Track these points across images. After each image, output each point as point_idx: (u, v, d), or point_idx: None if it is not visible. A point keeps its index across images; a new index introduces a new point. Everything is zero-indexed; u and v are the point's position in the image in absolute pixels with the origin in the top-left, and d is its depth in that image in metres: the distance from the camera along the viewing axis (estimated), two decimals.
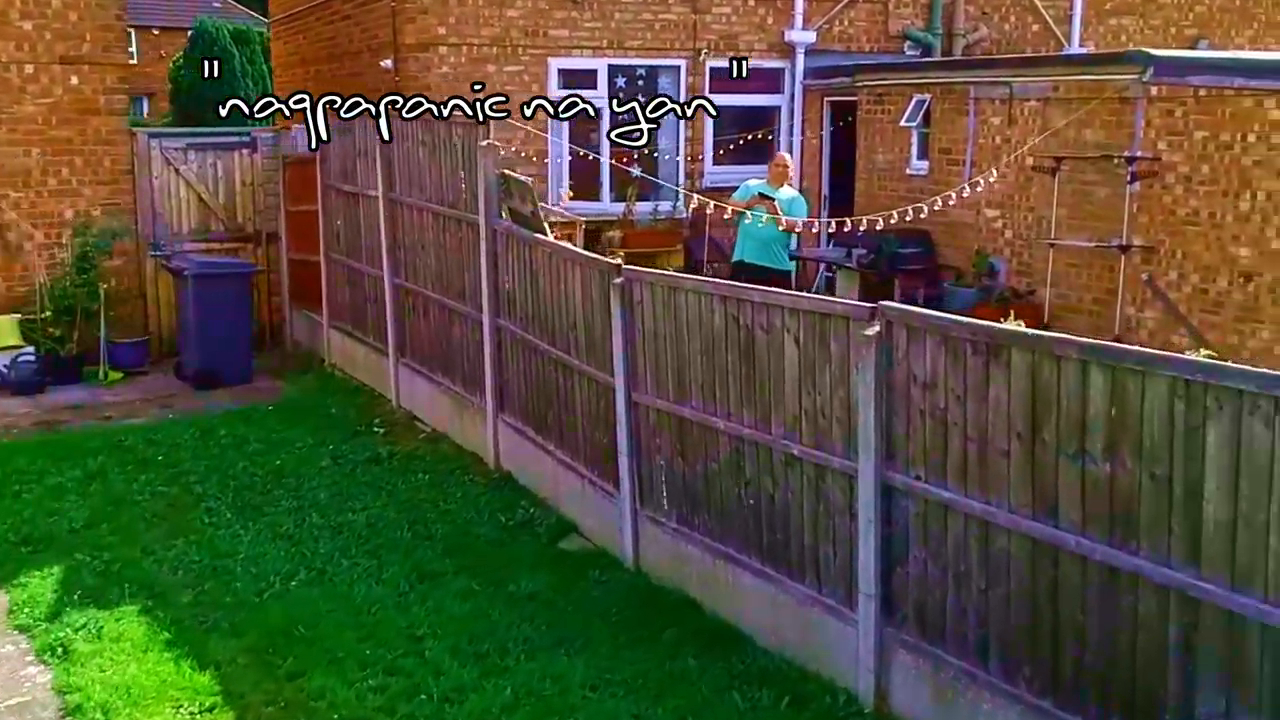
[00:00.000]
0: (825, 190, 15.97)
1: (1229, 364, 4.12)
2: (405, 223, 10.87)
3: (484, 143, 9.14)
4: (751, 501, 6.57)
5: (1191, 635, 4.33)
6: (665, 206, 15.29)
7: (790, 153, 16.38)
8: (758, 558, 6.59)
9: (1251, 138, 10.24)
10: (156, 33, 51.56)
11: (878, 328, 5.48)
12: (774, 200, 12.38)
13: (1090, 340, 4.54)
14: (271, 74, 23.15)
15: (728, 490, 6.75)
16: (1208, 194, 10.63)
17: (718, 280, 6.75)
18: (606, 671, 6.36)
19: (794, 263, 14.88)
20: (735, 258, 12.86)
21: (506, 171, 9.18)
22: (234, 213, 14.35)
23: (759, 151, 16.11)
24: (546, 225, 8.84)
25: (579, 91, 15.05)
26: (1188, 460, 4.24)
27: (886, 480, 5.57)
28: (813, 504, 6.11)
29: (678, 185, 15.94)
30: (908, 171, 14.07)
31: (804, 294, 6.10)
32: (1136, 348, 4.39)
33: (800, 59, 16.04)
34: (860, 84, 14.85)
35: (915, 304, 12.39)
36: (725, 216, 12.61)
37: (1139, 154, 11.09)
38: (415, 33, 14.50)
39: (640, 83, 15.60)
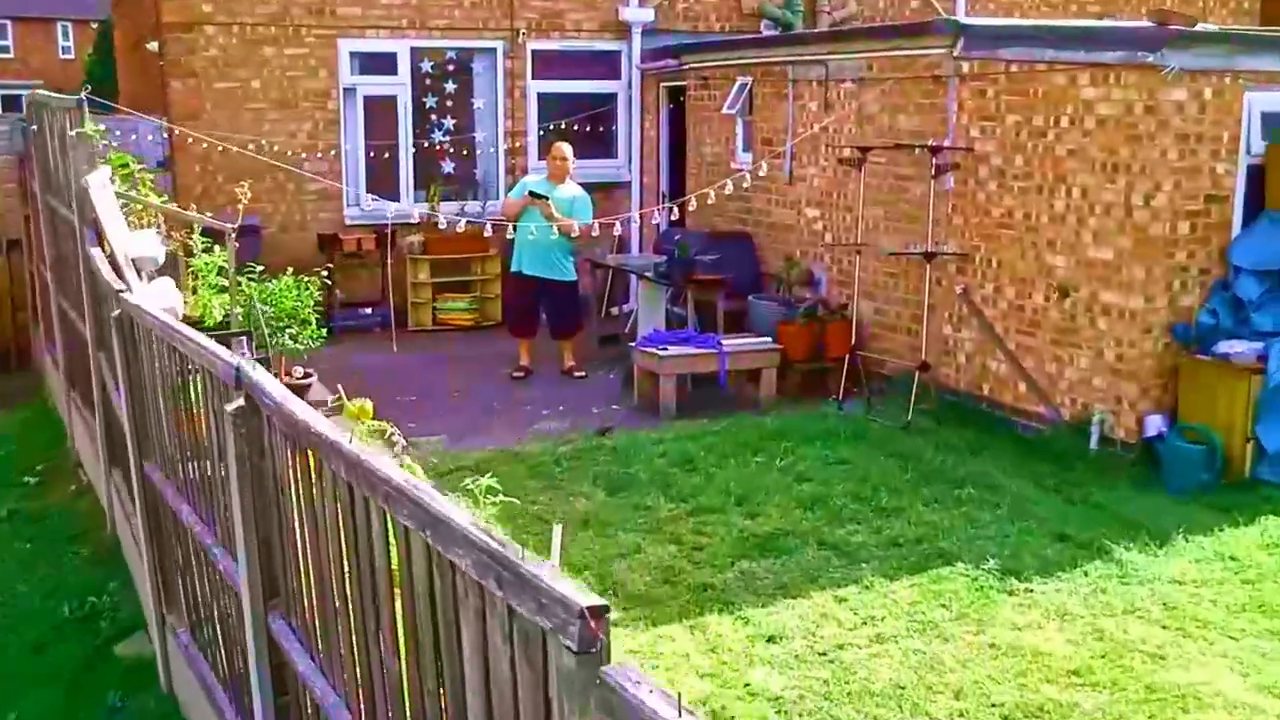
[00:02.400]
0: (664, 186, 14.07)
1: None
2: (60, 229, 9.08)
3: (73, 132, 7.34)
4: (219, 621, 4.76)
5: None
6: (474, 206, 13.44)
7: (631, 144, 14.61)
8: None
9: (1065, 122, 8.37)
10: (95, 27, 49.82)
11: (242, 401, 3.65)
12: (548, 200, 10.59)
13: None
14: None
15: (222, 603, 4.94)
16: (1022, 191, 8.76)
17: (161, 318, 4.87)
18: None
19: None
20: (513, 268, 11.09)
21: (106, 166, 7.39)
22: None
23: (600, 141, 14.32)
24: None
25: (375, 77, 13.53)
26: None
27: (269, 625, 3.74)
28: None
29: (498, 180, 14.15)
30: (733, 165, 12.18)
31: (202, 339, 4.22)
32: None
33: (637, 40, 14.14)
34: (686, 66, 13.00)
35: (713, 319, 10.58)
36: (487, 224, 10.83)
37: (947, 143, 9.23)
38: (176, 10, 12.64)
39: (450, 68, 13.74)
